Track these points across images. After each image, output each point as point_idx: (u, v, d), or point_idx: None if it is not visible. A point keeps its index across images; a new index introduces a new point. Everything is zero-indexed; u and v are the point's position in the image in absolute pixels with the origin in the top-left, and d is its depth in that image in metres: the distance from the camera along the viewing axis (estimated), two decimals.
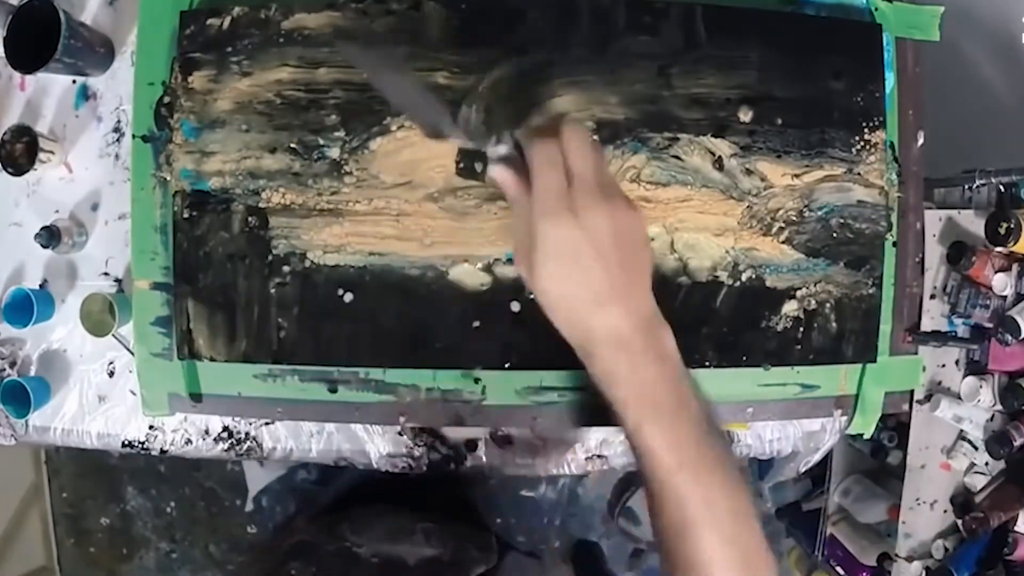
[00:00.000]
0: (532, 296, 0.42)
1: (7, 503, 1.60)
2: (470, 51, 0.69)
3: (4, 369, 0.85)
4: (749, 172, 0.72)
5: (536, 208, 0.40)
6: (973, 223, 0.96)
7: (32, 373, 0.84)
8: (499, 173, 0.43)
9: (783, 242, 0.72)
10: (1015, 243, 0.90)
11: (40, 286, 0.84)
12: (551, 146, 0.40)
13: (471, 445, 0.81)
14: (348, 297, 0.70)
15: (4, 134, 0.80)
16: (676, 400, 0.40)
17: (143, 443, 0.83)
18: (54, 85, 0.84)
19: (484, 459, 0.81)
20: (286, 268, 0.71)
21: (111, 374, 0.83)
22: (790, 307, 0.72)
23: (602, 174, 0.41)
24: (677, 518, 0.39)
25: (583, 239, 0.39)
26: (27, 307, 0.80)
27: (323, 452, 0.81)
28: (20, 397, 0.80)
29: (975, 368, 1.02)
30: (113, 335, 0.80)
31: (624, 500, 1.60)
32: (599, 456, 0.81)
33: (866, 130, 0.73)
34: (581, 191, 0.39)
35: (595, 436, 0.81)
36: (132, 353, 0.80)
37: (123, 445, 0.83)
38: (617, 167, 0.70)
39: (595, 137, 0.45)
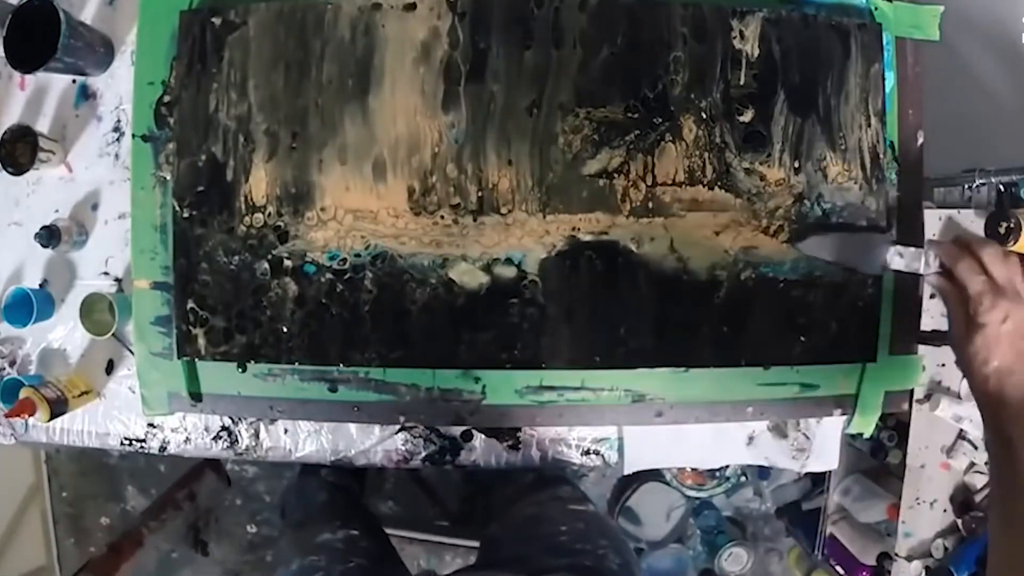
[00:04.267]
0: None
1: (7, 503, 1.59)
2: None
3: (3, 368, 0.85)
4: (749, 171, 0.72)
5: (973, 308, 0.58)
6: (973, 222, 0.96)
7: (32, 372, 0.84)
8: (937, 283, 0.63)
9: (783, 241, 0.72)
10: (1015, 243, 0.90)
11: (40, 286, 0.84)
12: (972, 261, 0.59)
13: (467, 436, 0.81)
14: (347, 296, 0.70)
15: (4, 134, 0.80)
16: None
17: (142, 441, 0.83)
18: (54, 85, 0.84)
19: (479, 452, 0.81)
20: (286, 267, 0.71)
21: (109, 372, 0.83)
22: (789, 306, 0.72)
23: (1015, 280, 0.58)
24: None
25: (1011, 330, 0.57)
26: (27, 307, 0.80)
27: (321, 450, 0.81)
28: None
29: None
30: (113, 334, 0.80)
31: (624, 500, 1.60)
32: (595, 452, 0.81)
33: (866, 129, 0.73)
34: (1005, 295, 0.57)
35: (591, 432, 0.81)
36: (132, 352, 0.80)
37: (122, 443, 0.83)
38: (616, 166, 0.70)
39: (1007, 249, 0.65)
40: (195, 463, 1.56)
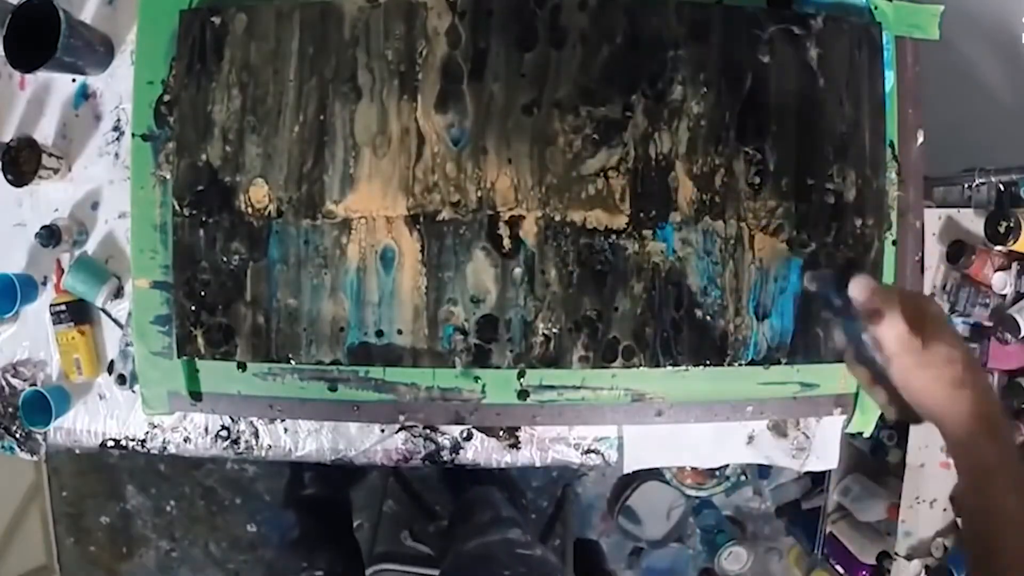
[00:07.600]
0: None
1: (7, 503, 1.59)
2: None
3: (24, 390, 0.84)
4: (748, 169, 0.71)
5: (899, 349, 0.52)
6: (973, 222, 0.96)
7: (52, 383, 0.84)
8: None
9: (783, 241, 0.72)
10: (1014, 242, 0.90)
11: (43, 283, 0.84)
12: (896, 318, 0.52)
13: (467, 435, 0.81)
14: (347, 294, 0.70)
15: (11, 141, 0.81)
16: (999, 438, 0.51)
17: (142, 441, 0.83)
18: (54, 84, 0.84)
19: (479, 451, 0.81)
20: (285, 267, 0.71)
21: (110, 371, 0.83)
22: (789, 305, 0.72)
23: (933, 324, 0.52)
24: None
25: (934, 361, 0.51)
26: (11, 293, 0.80)
27: (321, 449, 0.81)
28: (41, 407, 0.80)
29: None
30: (101, 309, 0.80)
31: (624, 499, 1.60)
32: (595, 451, 0.81)
33: (865, 129, 0.73)
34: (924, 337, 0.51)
35: (591, 431, 0.81)
36: (120, 326, 0.80)
37: (122, 443, 0.83)
38: (615, 165, 0.70)
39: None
40: None
